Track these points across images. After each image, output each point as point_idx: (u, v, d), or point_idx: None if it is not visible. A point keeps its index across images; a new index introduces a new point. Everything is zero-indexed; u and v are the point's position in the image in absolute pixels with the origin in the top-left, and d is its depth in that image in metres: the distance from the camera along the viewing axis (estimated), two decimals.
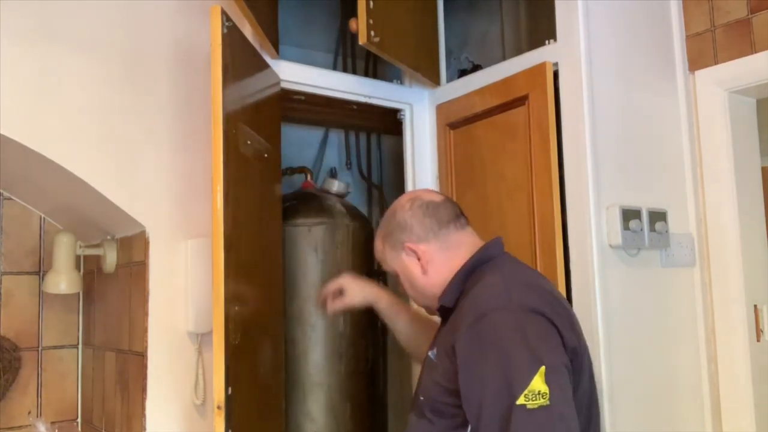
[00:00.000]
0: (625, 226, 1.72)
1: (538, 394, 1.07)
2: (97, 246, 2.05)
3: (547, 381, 1.08)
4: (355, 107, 2.19)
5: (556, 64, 1.79)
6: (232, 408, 1.37)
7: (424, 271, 1.35)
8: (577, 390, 1.19)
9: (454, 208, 1.40)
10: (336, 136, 2.81)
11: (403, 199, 1.43)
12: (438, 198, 1.41)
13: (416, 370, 2.16)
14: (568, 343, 1.18)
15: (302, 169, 2.38)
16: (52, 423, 2.12)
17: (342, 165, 2.76)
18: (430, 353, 1.30)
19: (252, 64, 1.70)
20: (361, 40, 1.77)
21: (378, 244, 1.44)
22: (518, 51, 2.10)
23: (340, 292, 1.67)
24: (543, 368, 1.09)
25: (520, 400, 1.07)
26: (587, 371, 1.27)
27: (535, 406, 1.07)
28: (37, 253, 2.20)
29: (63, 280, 2.01)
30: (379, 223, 2.84)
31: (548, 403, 1.07)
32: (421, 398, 1.27)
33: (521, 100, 1.85)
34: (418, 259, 1.35)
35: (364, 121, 2.59)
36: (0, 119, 1.60)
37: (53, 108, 1.69)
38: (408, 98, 2.22)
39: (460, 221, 1.39)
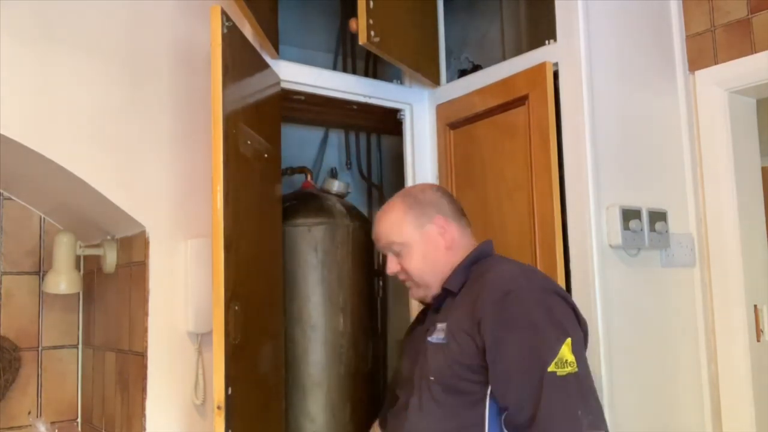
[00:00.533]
0: (625, 226, 1.72)
1: (567, 362, 1.16)
2: (97, 246, 2.05)
3: (573, 351, 1.17)
4: (355, 107, 2.19)
5: (556, 64, 1.79)
6: (232, 408, 1.37)
7: (448, 246, 1.43)
8: None
9: (460, 208, 1.52)
10: (336, 136, 2.81)
11: (427, 184, 1.58)
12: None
13: None
14: (582, 324, 1.29)
15: (302, 169, 2.38)
16: (52, 423, 2.12)
17: (342, 165, 2.76)
18: (430, 339, 1.35)
19: (252, 64, 1.70)
20: (361, 40, 1.77)
21: (395, 214, 1.46)
22: (518, 51, 2.10)
23: None
24: (569, 340, 1.18)
25: (551, 368, 1.15)
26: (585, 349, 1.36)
27: (565, 374, 1.15)
28: (37, 253, 2.20)
29: (63, 280, 2.01)
30: None
31: (576, 370, 1.17)
32: (431, 378, 1.31)
33: (521, 100, 1.85)
34: (444, 234, 1.43)
35: (364, 121, 2.59)
36: (0, 119, 1.60)
37: (53, 108, 1.69)
38: (408, 98, 2.22)
39: (464, 219, 1.50)
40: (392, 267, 1.48)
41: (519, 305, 1.23)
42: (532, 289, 1.26)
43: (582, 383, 1.18)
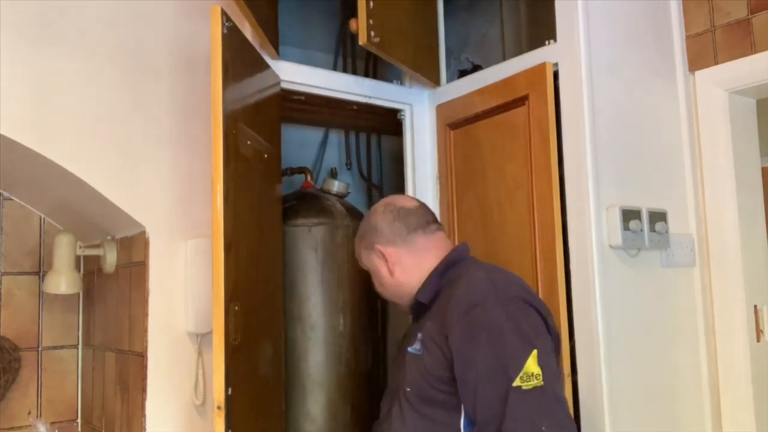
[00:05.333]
0: (625, 227, 1.72)
1: (532, 375, 1.15)
2: (97, 246, 2.05)
3: (539, 363, 1.17)
4: (355, 107, 2.19)
5: (556, 65, 1.79)
6: (232, 408, 1.37)
7: (391, 273, 1.46)
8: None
9: (425, 216, 1.50)
10: (336, 136, 2.81)
11: (379, 204, 1.54)
12: (411, 204, 1.52)
13: None
14: (552, 330, 1.29)
15: (302, 170, 2.38)
16: (52, 423, 2.13)
17: (342, 165, 2.76)
18: (409, 349, 1.37)
19: (252, 64, 1.70)
20: (361, 40, 1.77)
21: (355, 244, 1.57)
22: (518, 51, 2.10)
23: None
24: (535, 351, 1.17)
25: (516, 382, 1.15)
26: (558, 354, 1.38)
27: (530, 387, 1.15)
28: (37, 253, 2.20)
29: (63, 281, 2.01)
30: None
31: (542, 383, 1.16)
32: (408, 389, 1.34)
33: (521, 101, 1.85)
34: (386, 261, 1.46)
35: (364, 122, 2.59)
36: (0, 119, 1.60)
37: (53, 108, 1.69)
38: (408, 98, 2.22)
39: (429, 227, 1.48)
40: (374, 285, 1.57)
41: (484, 320, 1.22)
42: (498, 300, 1.25)
43: (548, 396, 1.17)
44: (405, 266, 1.45)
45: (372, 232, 1.49)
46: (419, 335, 1.36)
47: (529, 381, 1.15)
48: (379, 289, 1.54)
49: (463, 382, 1.21)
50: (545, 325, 1.27)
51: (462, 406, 1.25)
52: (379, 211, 1.52)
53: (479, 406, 1.19)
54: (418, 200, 1.57)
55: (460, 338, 1.23)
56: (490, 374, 1.18)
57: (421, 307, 1.43)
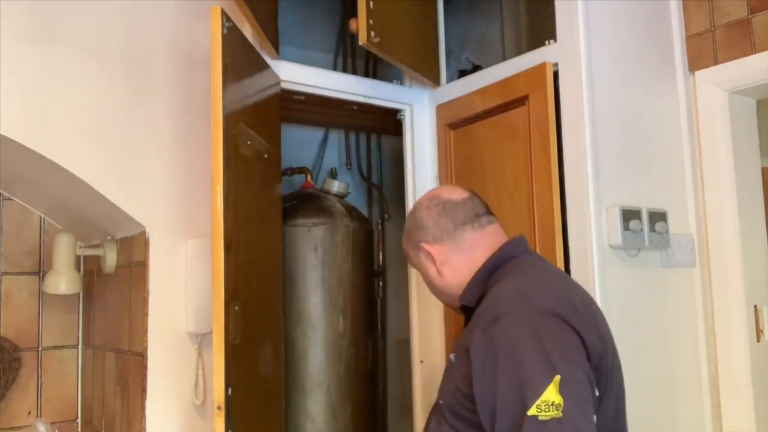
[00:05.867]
0: (625, 227, 1.72)
1: (551, 405, 1.02)
2: (97, 246, 2.05)
3: (561, 391, 1.03)
4: (355, 107, 2.19)
5: (556, 65, 1.79)
6: (232, 408, 1.37)
7: (440, 273, 1.33)
8: (602, 399, 1.15)
9: (474, 207, 1.36)
10: (336, 136, 2.81)
11: (424, 197, 1.41)
12: (459, 196, 1.37)
13: (416, 371, 2.16)
14: (591, 349, 1.12)
15: (302, 170, 2.38)
16: (52, 423, 2.12)
17: (342, 165, 2.76)
18: (451, 356, 1.26)
19: (252, 64, 1.70)
20: (361, 40, 1.77)
21: (403, 241, 1.43)
22: (518, 51, 2.10)
23: None
24: (558, 378, 1.04)
25: (532, 411, 1.02)
26: (616, 379, 1.22)
27: (547, 418, 1.02)
28: (37, 253, 2.20)
29: (63, 281, 2.01)
30: (379, 223, 2.84)
31: (561, 415, 1.02)
32: (441, 402, 1.24)
33: (521, 101, 1.85)
34: (433, 260, 1.33)
35: (364, 122, 2.60)
36: (0, 119, 1.60)
37: (53, 108, 1.69)
38: (408, 98, 2.22)
39: (479, 221, 1.34)
40: None
41: (505, 336, 1.10)
42: (524, 314, 1.12)
43: (563, 430, 1.02)
44: (454, 265, 1.32)
45: (417, 230, 1.36)
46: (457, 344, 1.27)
47: (547, 411, 1.02)
48: (430, 289, 1.41)
49: (480, 401, 1.11)
50: (582, 345, 1.11)
51: None
52: (423, 205, 1.38)
53: (495, 429, 1.08)
54: (467, 190, 1.41)
55: (479, 354, 1.12)
56: (507, 398, 1.06)
57: (468, 310, 1.31)
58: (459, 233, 1.33)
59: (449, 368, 1.25)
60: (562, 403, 1.02)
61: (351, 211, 2.24)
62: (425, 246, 1.34)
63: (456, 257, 1.32)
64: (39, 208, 2.20)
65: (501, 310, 1.13)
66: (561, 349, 1.08)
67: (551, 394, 1.02)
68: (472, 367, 1.12)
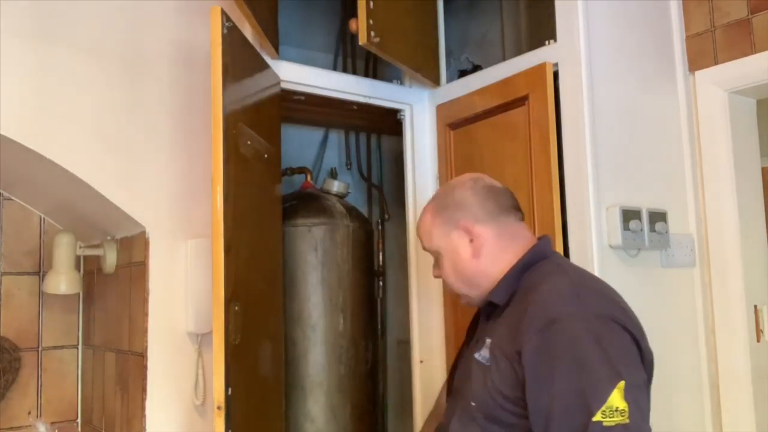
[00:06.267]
0: (625, 227, 1.72)
1: (617, 410, 1.00)
2: (97, 246, 2.05)
3: (626, 397, 1.01)
4: (355, 107, 2.19)
5: (556, 65, 1.79)
6: (232, 408, 1.37)
7: (476, 255, 1.26)
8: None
9: (513, 200, 1.33)
10: (336, 136, 2.81)
11: (464, 177, 1.35)
12: (500, 185, 1.34)
13: (416, 371, 2.16)
14: (645, 355, 1.11)
15: (302, 170, 2.38)
16: (52, 423, 2.12)
17: (342, 165, 2.77)
18: (476, 355, 1.22)
19: (252, 64, 1.70)
20: (361, 40, 1.77)
21: (426, 218, 1.33)
22: (518, 51, 2.10)
23: None
24: (622, 383, 1.01)
25: (597, 417, 1.00)
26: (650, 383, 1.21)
27: (612, 424, 0.99)
28: (37, 253, 2.20)
29: (63, 281, 2.01)
30: (379, 223, 2.83)
31: (627, 421, 1.00)
32: (473, 404, 1.20)
33: (521, 101, 1.85)
34: (471, 241, 1.27)
35: (364, 121, 2.60)
36: (0, 119, 1.60)
37: (53, 108, 1.69)
38: (408, 98, 2.22)
39: (518, 214, 1.32)
40: (433, 272, 1.37)
41: (566, 340, 1.06)
42: (582, 317, 1.08)
43: None
44: (491, 250, 1.25)
45: (456, 207, 1.28)
46: (488, 341, 1.21)
47: (612, 417, 0.99)
48: (449, 275, 1.31)
49: (535, 408, 1.07)
50: (638, 350, 1.10)
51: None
52: (466, 185, 1.31)
53: None
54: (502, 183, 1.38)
55: (536, 358, 1.07)
56: (568, 404, 1.03)
57: (492, 307, 1.26)
58: (503, 218, 1.28)
59: (482, 369, 1.20)
60: (627, 409, 1.00)
61: (351, 211, 2.24)
62: (466, 224, 1.27)
63: (495, 242, 1.26)
64: (39, 208, 2.20)
65: (556, 312, 1.09)
66: (623, 354, 1.06)
67: (616, 399, 1.00)
68: (525, 370, 1.08)
